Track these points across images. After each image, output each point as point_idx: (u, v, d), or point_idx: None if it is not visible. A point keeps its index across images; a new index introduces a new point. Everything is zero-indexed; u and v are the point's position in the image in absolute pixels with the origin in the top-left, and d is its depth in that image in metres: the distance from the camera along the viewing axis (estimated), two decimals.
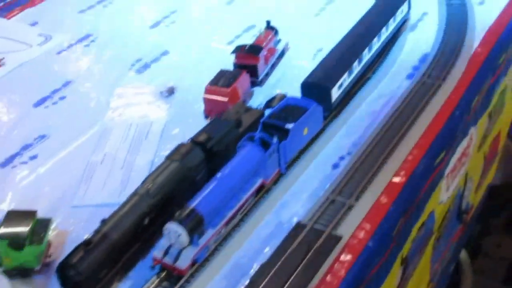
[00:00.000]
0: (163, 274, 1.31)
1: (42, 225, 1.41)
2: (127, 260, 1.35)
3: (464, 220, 2.16)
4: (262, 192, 1.50)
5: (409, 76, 1.88)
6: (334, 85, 1.65)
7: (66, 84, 2.07)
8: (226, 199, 1.38)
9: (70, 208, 1.56)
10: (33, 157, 1.76)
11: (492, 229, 3.02)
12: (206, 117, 1.78)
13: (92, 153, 1.74)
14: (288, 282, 1.27)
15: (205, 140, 1.53)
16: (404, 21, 2.05)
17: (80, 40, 2.32)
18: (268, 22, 2.00)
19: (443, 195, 1.75)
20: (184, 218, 1.28)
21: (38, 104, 1.98)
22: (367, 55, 1.80)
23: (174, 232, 1.27)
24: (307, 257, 1.32)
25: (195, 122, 1.79)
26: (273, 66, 1.99)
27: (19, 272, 1.32)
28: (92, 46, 2.29)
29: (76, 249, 1.29)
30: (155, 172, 1.47)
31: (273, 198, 1.50)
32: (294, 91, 1.69)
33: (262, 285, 1.27)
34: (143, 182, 1.45)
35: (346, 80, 1.70)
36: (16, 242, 1.35)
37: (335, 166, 1.59)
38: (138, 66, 2.12)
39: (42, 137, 1.83)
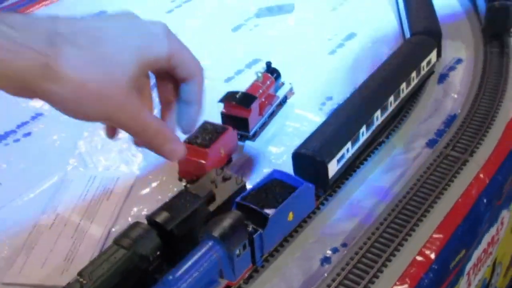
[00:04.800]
0: None
1: None
2: None
3: None
4: None
5: (430, 144, 1.56)
6: (332, 158, 1.34)
7: (36, 117, 1.81)
8: None
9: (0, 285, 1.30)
10: None
11: None
12: (180, 179, 1.49)
13: (43, 212, 1.47)
14: None
15: (164, 221, 1.24)
16: (431, 73, 1.73)
17: None
18: (268, 64, 1.70)
19: None
20: None
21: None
22: (379, 118, 1.48)
23: None
24: None
25: (170, 181, 1.52)
26: (272, 115, 1.69)
27: None
28: None
29: None
30: (96, 261, 1.19)
31: None
32: (292, 148, 1.39)
33: None
34: (79, 274, 1.17)
35: (349, 151, 1.39)
36: None
37: (325, 260, 1.28)
38: None
39: None
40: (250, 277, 1.25)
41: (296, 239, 1.32)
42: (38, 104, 1.82)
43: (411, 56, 1.63)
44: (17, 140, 1.72)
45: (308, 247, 1.31)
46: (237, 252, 1.16)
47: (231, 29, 2.17)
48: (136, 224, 1.25)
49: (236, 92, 1.60)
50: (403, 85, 1.56)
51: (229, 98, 1.58)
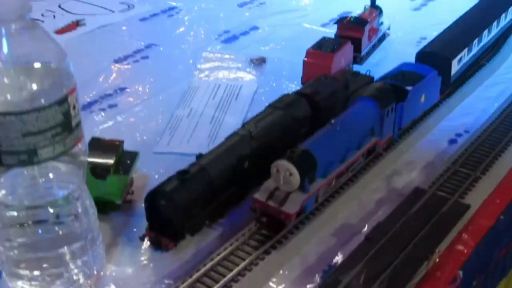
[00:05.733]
0: (264, 220, 1.14)
1: (128, 157, 1.26)
2: (223, 201, 1.18)
3: None
4: (373, 155, 1.33)
5: None
6: (455, 57, 1.49)
7: (149, 46, 1.95)
8: (339, 148, 1.21)
9: (151, 154, 1.41)
10: (112, 106, 1.62)
11: None
12: (303, 84, 1.62)
13: (177, 106, 1.60)
14: (410, 245, 1.09)
15: (311, 93, 1.38)
16: None
17: (164, 11, 2.21)
18: (373, 1, 1.86)
19: None
20: (297, 158, 1.12)
21: (118, 61, 1.86)
22: (486, 37, 1.64)
23: (284, 170, 1.11)
24: (431, 221, 1.14)
25: (291, 86, 1.65)
26: (374, 47, 1.84)
27: (98, 207, 1.12)
28: (176, 16, 2.18)
29: (170, 179, 1.14)
30: (257, 116, 1.32)
31: (385, 164, 1.34)
32: None
33: (379, 244, 1.09)
34: (244, 124, 1.30)
35: (465, 56, 1.54)
36: (99, 171, 1.19)
37: (452, 141, 1.42)
38: (226, 37, 1.99)
39: (122, 89, 1.70)
40: (389, 146, 1.37)
41: (426, 122, 1.46)
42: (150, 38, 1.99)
43: (500, 3, 1.80)
44: (136, 61, 1.86)
45: (436, 131, 1.45)
46: (387, 112, 1.29)
47: None
48: (287, 95, 1.38)
49: (349, 17, 1.75)
50: (502, 16, 1.72)
51: (344, 20, 1.73)
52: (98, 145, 1.24)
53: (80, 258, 1.02)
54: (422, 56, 1.50)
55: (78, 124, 0.93)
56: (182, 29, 2.07)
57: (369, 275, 1.03)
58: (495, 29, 1.70)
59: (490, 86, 1.64)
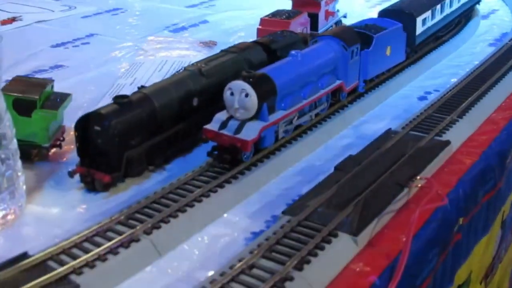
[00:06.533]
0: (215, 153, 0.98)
1: (58, 97, 1.08)
2: (169, 139, 1.01)
3: None
4: (338, 105, 1.19)
5: (492, 45, 1.65)
6: (419, 15, 1.40)
7: (91, 35, 1.80)
8: (300, 79, 1.06)
9: None
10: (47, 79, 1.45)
11: None
12: None
13: (119, 77, 1.44)
14: (387, 173, 0.93)
15: (268, 42, 1.25)
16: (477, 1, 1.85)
17: (108, 11, 2.09)
18: None
19: None
20: (254, 79, 0.97)
21: (56, 46, 1.71)
22: (448, 7, 1.57)
23: (239, 92, 0.95)
24: (408, 154, 0.99)
25: None
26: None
27: (22, 153, 0.92)
28: (121, 15, 2.05)
29: (107, 105, 0.97)
30: (208, 57, 1.18)
31: (353, 115, 1.20)
32: None
33: (351, 173, 0.93)
34: (194, 63, 1.15)
35: (429, 19, 1.45)
36: (23, 105, 1.01)
37: (422, 98, 1.31)
38: (174, 28, 1.87)
39: (58, 66, 1.55)
40: (355, 100, 1.24)
41: (394, 81, 1.35)
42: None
43: None
44: (76, 46, 1.72)
45: (404, 90, 1.35)
46: (351, 52, 1.17)
47: None
48: (242, 42, 1.26)
49: None
50: None
51: None
52: (22, 82, 1.07)
53: None
54: (386, 13, 1.41)
55: None
56: (127, 22, 1.94)
57: (341, 200, 0.87)
58: (456, 3, 1.63)
59: (457, 57, 1.57)
